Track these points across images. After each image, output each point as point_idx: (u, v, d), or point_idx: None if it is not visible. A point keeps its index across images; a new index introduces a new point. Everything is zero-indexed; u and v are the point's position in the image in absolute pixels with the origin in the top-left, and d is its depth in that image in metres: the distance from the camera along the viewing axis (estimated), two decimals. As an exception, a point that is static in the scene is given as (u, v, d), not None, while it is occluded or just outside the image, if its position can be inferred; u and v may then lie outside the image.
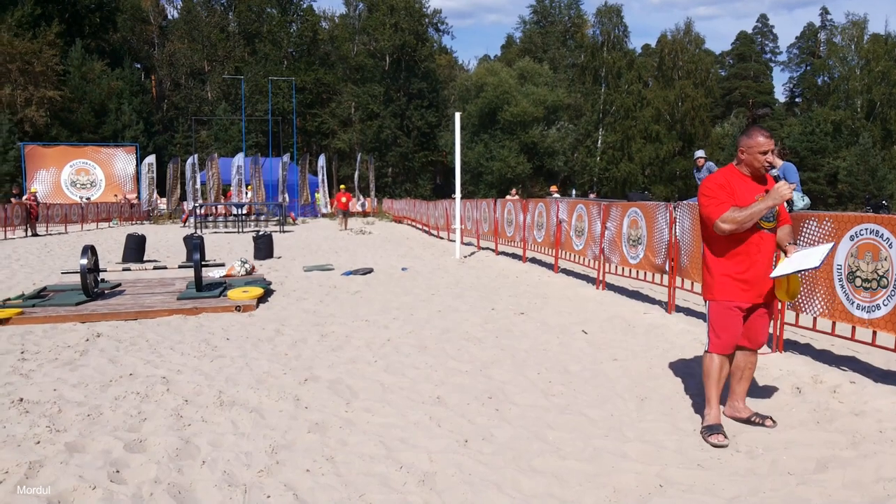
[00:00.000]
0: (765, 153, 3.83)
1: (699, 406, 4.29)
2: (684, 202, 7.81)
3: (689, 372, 5.10)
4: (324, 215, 39.47)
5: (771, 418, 4.04)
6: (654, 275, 8.22)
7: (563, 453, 3.59)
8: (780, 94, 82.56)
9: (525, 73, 56.18)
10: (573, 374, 5.09)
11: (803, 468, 3.43)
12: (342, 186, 29.13)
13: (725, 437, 3.76)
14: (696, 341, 6.00)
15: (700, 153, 12.65)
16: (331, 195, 42.05)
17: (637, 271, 8.60)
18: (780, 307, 5.53)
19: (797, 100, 79.35)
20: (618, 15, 60.43)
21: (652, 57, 67.13)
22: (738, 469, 3.43)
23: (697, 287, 7.35)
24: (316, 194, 39.28)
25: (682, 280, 7.56)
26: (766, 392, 4.61)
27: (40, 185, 39.00)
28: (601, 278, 9.23)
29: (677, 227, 7.38)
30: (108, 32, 59.27)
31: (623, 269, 8.96)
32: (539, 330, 6.65)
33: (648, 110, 57.78)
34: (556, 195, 22.87)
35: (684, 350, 5.81)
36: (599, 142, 59.18)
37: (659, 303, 7.98)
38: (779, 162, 10.33)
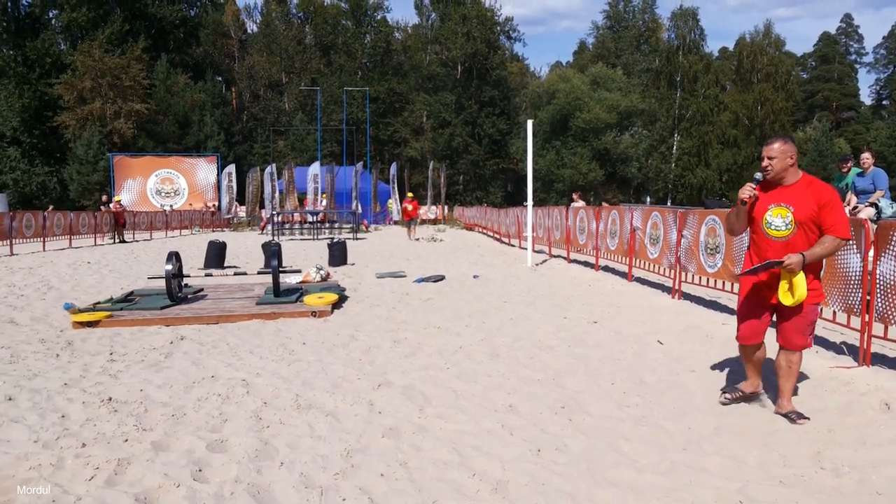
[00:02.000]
0: (761, 160, 4.17)
1: (782, 422, 4.16)
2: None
3: (769, 386, 4.93)
4: (395, 223, 39.93)
5: (802, 415, 4.18)
6: (731, 284, 7.99)
7: (639, 466, 3.52)
8: (866, 97, 79.20)
9: (598, 78, 55.61)
10: (649, 385, 5.00)
11: (894, 489, 3.27)
12: (409, 194, 28.04)
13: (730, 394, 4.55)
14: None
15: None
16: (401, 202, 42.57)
17: (714, 280, 8.37)
18: (867, 320, 5.30)
19: (884, 102, 75.87)
20: (694, 18, 59.13)
21: (729, 60, 65.48)
22: (822, 487, 3.29)
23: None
24: (389, 203, 39.76)
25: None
26: (853, 408, 4.41)
27: (127, 193, 40.85)
28: (677, 287, 9.03)
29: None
30: (191, 47, 61.69)
31: (700, 278, 8.74)
32: (613, 339, 6.56)
33: (726, 115, 56.31)
34: (579, 203, 22.21)
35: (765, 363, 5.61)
36: (675, 147, 57.94)
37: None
38: (867, 164, 9.87)
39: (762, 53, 59.15)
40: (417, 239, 24.28)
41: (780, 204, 4.08)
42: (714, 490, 3.26)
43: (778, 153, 4.05)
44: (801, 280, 3.99)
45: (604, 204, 23.39)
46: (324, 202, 34.28)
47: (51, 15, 54.96)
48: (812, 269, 4.14)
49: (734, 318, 7.42)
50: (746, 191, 4.14)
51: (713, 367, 5.50)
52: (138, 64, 50.97)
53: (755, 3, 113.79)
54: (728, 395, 4.59)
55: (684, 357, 5.85)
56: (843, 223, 3.98)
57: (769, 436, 3.97)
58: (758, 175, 4.20)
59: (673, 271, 9.17)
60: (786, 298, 4.03)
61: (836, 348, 6.03)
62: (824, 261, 4.15)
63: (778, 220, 4.09)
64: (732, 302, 8.49)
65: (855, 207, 10.02)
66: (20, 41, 50.48)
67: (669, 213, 9.46)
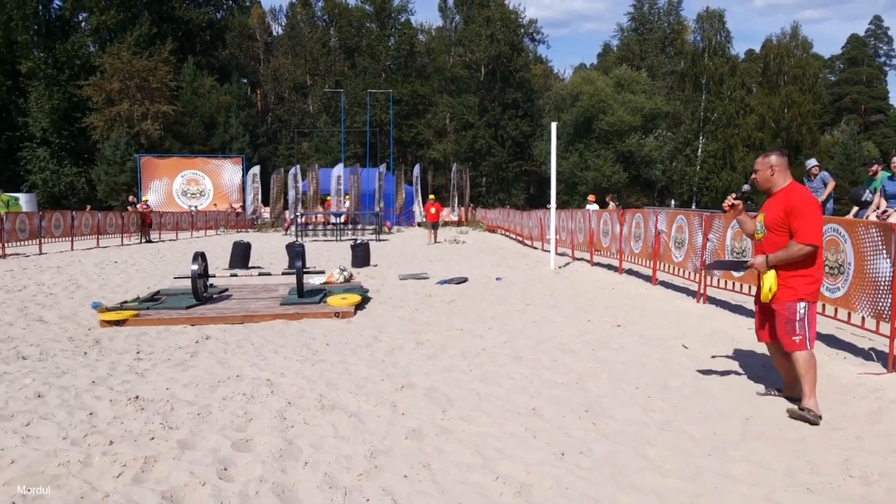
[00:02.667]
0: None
1: (809, 429, 4.11)
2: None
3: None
4: (419, 224, 40.00)
5: (816, 414, 4.24)
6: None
7: (664, 471, 3.50)
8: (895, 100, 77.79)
9: (622, 81, 55.23)
10: (673, 389, 4.96)
11: (927, 498, 3.21)
12: (431, 196, 26.69)
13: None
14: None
15: (813, 162, 12.10)
16: (424, 204, 42.63)
17: (740, 285, 8.29)
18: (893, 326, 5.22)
19: (915, 105, 74.56)
20: (720, 20, 58.62)
21: (756, 62, 64.75)
22: (851, 495, 3.24)
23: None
24: (413, 207, 39.83)
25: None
26: (883, 415, 4.34)
27: (154, 194, 41.33)
28: (702, 291, 8.94)
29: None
30: (217, 49, 62.35)
31: (725, 282, 8.66)
32: (637, 343, 6.51)
33: (752, 118, 55.73)
34: (593, 205, 21.99)
35: (792, 368, 5.54)
36: (699, 150, 57.48)
37: (764, 318, 7.65)
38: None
39: (789, 55, 58.48)
40: (438, 242, 23.43)
41: (763, 210, 4.57)
42: (740, 496, 3.23)
43: (759, 166, 4.57)
44: (767, 278, 4.38)
45: (612, 204, 23.06)
46: (347, 203, 34.43)
47: (80, 18, 55.80)
48: (787, 269, 4.37)
49: (760, 323, 7.38)
50: (728, 200, 4.73)
51: (739, 373, 5.45)
52: (165, 66, 51.58)
53: (782, 4, 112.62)
54: (764, 391, 4.90)
55: (709, 362, 5.79)
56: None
57: (796, 442, 3.92)
58: (745, 186, 4.71)
59: (698, 275, 9.09)
60: (763, 296, 4.48)
61: (865, 354, 5.94)
62: (817, 261, 4.38)
63: (758, 224, 4.59)
64: (758, 307, 8.41)
65: (885, 212, 9.86)
66: (50, 44, 51.31)
67: (695, 216, 9.38)
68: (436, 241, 23.53)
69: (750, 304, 8.61)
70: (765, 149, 48.63)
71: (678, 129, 57.32)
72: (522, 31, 64.55)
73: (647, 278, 11.24)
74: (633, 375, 5.31)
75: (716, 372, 5.45)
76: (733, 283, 8.48)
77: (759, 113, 56.26)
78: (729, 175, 54.98)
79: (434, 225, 24.33)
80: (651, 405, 4.58)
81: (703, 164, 56.83)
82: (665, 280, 10.99)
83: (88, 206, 28.17)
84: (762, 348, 6.27)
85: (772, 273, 4.37)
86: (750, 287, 8.09)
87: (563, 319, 7.78)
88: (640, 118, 53.14)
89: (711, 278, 8.90)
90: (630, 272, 12.27)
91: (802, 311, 4.32)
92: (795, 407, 4.37)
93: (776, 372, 5.44)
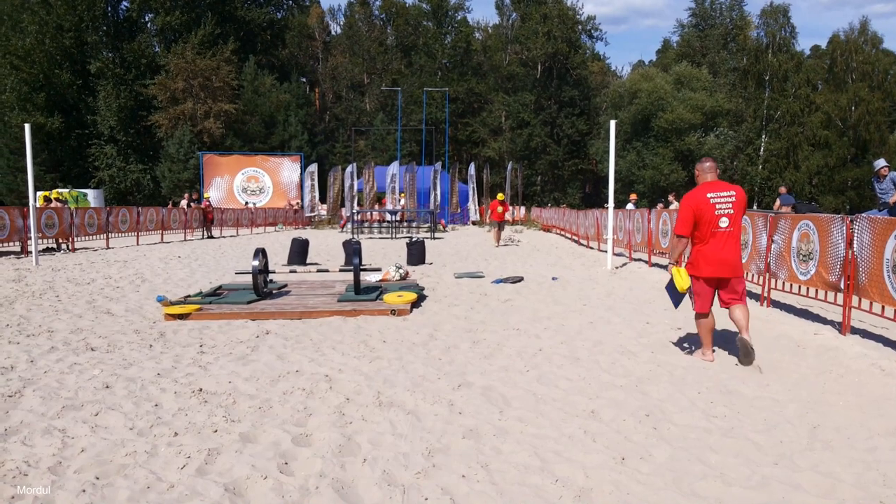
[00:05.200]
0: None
1: (881, 439, 3.94)
2: (863, 215, 7.20)
3: (867, 401, 4.69)
4: (473, 223, 39.97)
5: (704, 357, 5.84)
6: (825, 293, 7.65)
7: (728, 479, 3.40)
8: (973, 96, 74.10)
9: (682, 78, 54.17)
10: (736, 395, 4.82)
11: None
12: (500, 196, 23.82)
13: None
14: (876, 367, 5.50)
15: (882, 163, 11.65)
16: (480, 203, 42.54)
17: (806, 289, 8.02)
18: None
19: None
20: (784, 15, 56.92)
21: (822, 59, 62.65)
22: (930, 511, 3.10)
23: (877, 307, 6.79)
24: (468, 205, 39.84)
25: (860, 300, 6.97)
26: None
27: (215, 191, 42.31)
28: (766, 294, 8.69)
29: (855, 241, 6.82)
30: (277, 49, 63.50)
31: (789, 285, 8.40)
32: (697, 346, 6.35)
33: (817, 116, 53.94)
34: (631, 205, 21.65)
35: (861, 376, 5.34)
36: (762, 149, 55.92)
37: (831, 323, 7.40)
38: None
39: (858, 51, 56.38)
40: (506, 244, 21.92)
41: None
42: (809, 508, 3.12)
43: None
44: (675, 274, 5.81)
45: (674, 204, 22.62)
46: (402, 201, 34.65)
47: (146, 19, 57.53)
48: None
49: (826, 328, 7.15)
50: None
51: (805, 379, 5.26)
52: (227, 65, 52.78)
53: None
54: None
55: (774, 367, 5.62)
56: (676, 221, 5.81)
57: (868, 453, 3.77)
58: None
59: (762, 278, 8.83)
60: (680, 289, 5.81)
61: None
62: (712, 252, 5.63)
63: None
64: (825, 311, 8.14)
65: None
66: (118, 44, 53.05)
67: (759, 217, 9.12)
68: (500, 242, 21.83)
69: (816, 308, 8.37)
70: (830, 148, 46.96)
71: (740, 127, 55.89)
72: (580, 27, 63.90)
73: (708, 280, 10.98)
74: (695, 379, 5.19)
75: (780, 377, 5.29)
76: (799, 287, 8.22)
77: (825, 111, 54.41)
78: (792, 175, 53.37)
79: (500, 224, 22.55)
80: (713, 411, 4.47)
81: (766, 164, 55.30)
82: (726, 282, 10.71)
83: (183, 199, 29.06)
84: (830, 355, 6.08)
85: (674, 269, 5.79)
86: (816, 291, 7.84)
87: (620, 321, 7.66)
88: (701, 116, 52.03)
89: (775, 281, 8.64)
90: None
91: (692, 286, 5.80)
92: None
93: (844, 379, 5.26)
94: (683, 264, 5.93)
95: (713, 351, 5.89)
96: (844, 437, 4.04)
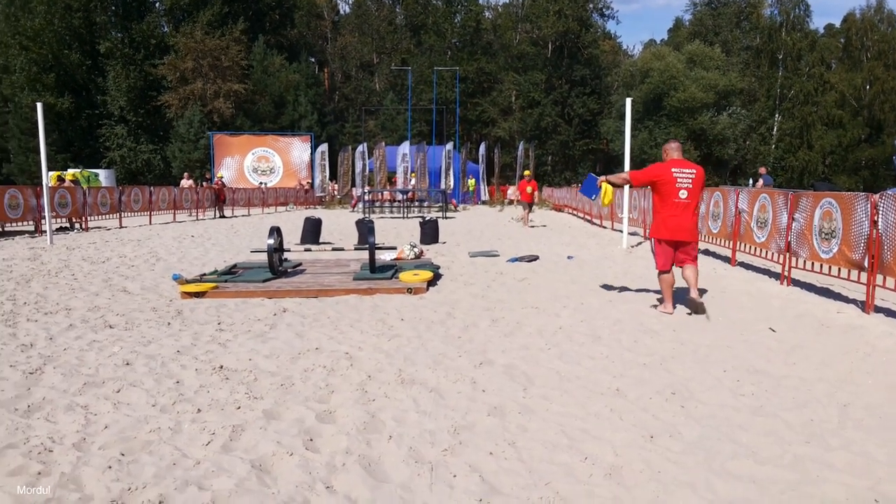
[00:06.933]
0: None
1: (916, 417, 3.88)
2: (889, 191, 7.07)
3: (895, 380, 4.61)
4: (483, 202, 39.84)
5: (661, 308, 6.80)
6: (848, 271, 7.54)
7: (760, 458, 3.34)
8: None
9: (694, 57, 53.48)
10: (763, 373, 4.75)
11: None
12: (527, 173, 21.90)
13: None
14: (904, 346, 5.42)
15: (902, 140, 11.45)
16: (490, 183, 42.34)
17: (829, 267, 7.92)
18: None
19: None
20: (800, -7, 56.08)
21: (836, 37, 61.80)
22: (969, 490, 3.03)
23: (903, 286, 6.69)
24: (469, 181, 39.63)
25: (884, 278, 6.87)
26: None
27: (226, 170, 42.34)
28: (786, 273, 8.59)
29: (880, 219, 6.70)
30: (286, 28, 63.11)
31: (809, 264, 8.29)
32: (720, 325, 6.29)
33: (831, 95, 53.34)
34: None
35: (889, 354, 5.26)
36: (775, 129, 55.40)
37: (854, 301, 7.30)
38: None
39: (873, 30, 55.59)
40: (533, 226, 20.45)
41: None
42: (843, 487, 3.06)
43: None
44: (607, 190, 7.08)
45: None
46: (413, 181, 34.54)
47: (155, -2, 57.30)
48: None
49: (849, 307, 7.07)
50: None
51: (832, 358, 5.18)
52: (237, 45, 52.54)
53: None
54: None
55: (799, 345, 5.54)
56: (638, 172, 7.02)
57: (902, 433, 3.70)
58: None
59: (782, 256, 8.73)
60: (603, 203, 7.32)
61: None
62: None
63: None
64: (846, 289, 8.04)
65: None
66: (127, 24, 52.84)
67: (780, 195, 8.99)
68: (530, 225, 20.47)
69: (837, 286, 8.27)
70: (844, 127, 46.84)
71: (753, 106, 55.31)
72: (591, 6, 63.09)
73: (725, 259, 10.89)
74: (719, 358, 5.12)
75: (806, 356, 5.21)
76: (820, 266, 8.11)
77: (840, 90, 53.79)
78: (806, 154, 52.93)
79: (529, 205, 20.86)
80: (741, 389, 4.40)
81: (779, 143, 54.78)
82: (744, 261, 10.62)
83: (186, 174, 29.20)
84: (855, 333, 6.00)
85: (606, 187, 7.06)
86: (839, 269, 7.74)
87: (639, 299, 7.59)
88: (713, 95, 51.44)
89: (797, 260, 8.53)
90: (706, 252, 11.91)
91: (652, 244, 6.84)
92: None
93: (871, 358, 5.18)
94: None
95: (674, 306, 6.80)
96: (876, 416, 3.97)
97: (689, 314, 6.66)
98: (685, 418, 3.87)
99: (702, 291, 8.15)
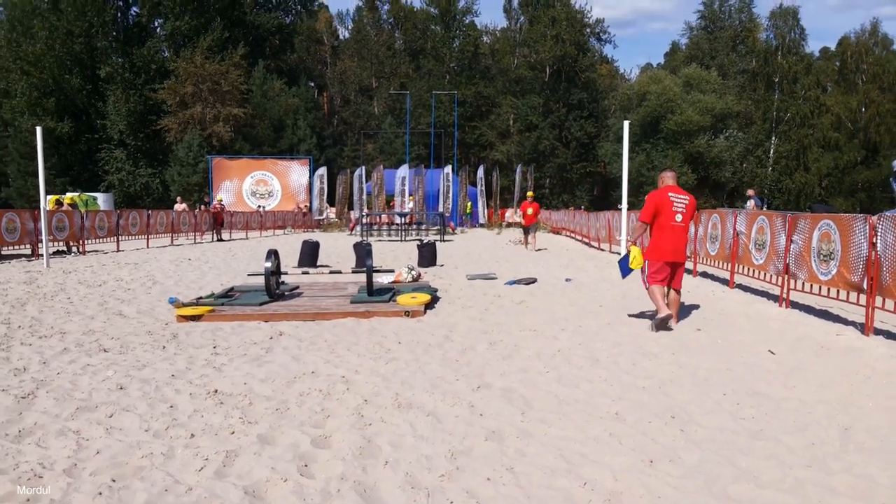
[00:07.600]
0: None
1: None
2: (888, 213, 7.07)
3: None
4: (481, 225, 39.87)
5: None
6: (846, 293, 7.52)
7: (761, 482, 3.29)
8: None
9: (691, 80, 53.92)
10: (763, 396, 4.71)
11: None
12: (530, 194, 20.93)
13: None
14: (904, 368, 5.38)
15: (899, 162, 11.52)
16: (488, 206, 42.41)
17: (827, 289, 7.89)
18: None
19: None
20: (794, 17, 56.72)
21: (831, 61, 62.39)
22: (974, 516, 2.99)
23: (903, 308, 6.66)
24: (466, 203, 39.70)
25: (883, 300, 6.84)
26: None
27: (225, 194, 42.38)
28: (785, 295, 8.56)
29: (878, 241, 6.68)
30: (286, 53, 63.64)
31: (808, 286, 8.27)
32: (719, 348, 6.25)
33: (827, 117, 53.72)
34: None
35: (889, 377, 5.22)
36: (772, 151, 55.71)
37: (853, 324, 7.27)
38: None
39: (867, 53, 56.14)
40: (538, 250, 19.58)
41: None
42: (847, 512, 3.01)
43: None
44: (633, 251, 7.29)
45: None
46: (411, 204, 34.58)
47: (156, 24, 57.74)
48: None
49: (849, 329, 7.03)
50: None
51: (831, 380, 5.14)
52: (237, 70, 52.88)
53: (859, 1, 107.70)
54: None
55: (799, 368, 5.50)
56: (641, 211, 7.44)
57: (904, 456, 3.65)
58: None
59: (780, 278, 8.71)
60: (634, 265, 7.34)
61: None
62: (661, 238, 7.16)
63: None
64: (846, 312, 8.01)
65: None
66: (128, 49, 53.26)
67: (778, 217, 8.99)
68: (532, 246, 19.66)
69: (836, 308, 8.24)
70: (840, 150, 47.35)
71: (749, 129, 55.64)
72: (588, 30, 63.74)
73: (723, 281, 10.87)
74: (719, 381, 5.08)
75: (806, 378, 5.17)
76: (819, 288, 8.09)
77: (835, 113, 54.19)
78: (802, 177, 53.15)
79: (533, 228, 20.02)
80: (741, 412, 4.36)
81: (776, 166, 55.04)
82: (742, 283, 10.59)
83: (179, 198, 29.19)
84: (855, 356, 5.96)
85: (633, 248, 7.28)
86: (838, 291, 7.71)
87: (638, 321, 7.55)
88: (710, 118, 51.78)
89: (795, 282, 8.51)
90: (704, 275, 11.89)
91: (646, 265, 7.24)
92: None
93: (872, 380, 5.14)
94: (639, 246, 7.37)
95: (668, 308, 7.09)
96: (878, 439, 3.92)
97: (655, 329, 6.95)
98: (685, 442, 3.82)
99: (700, 313, 8.15)
